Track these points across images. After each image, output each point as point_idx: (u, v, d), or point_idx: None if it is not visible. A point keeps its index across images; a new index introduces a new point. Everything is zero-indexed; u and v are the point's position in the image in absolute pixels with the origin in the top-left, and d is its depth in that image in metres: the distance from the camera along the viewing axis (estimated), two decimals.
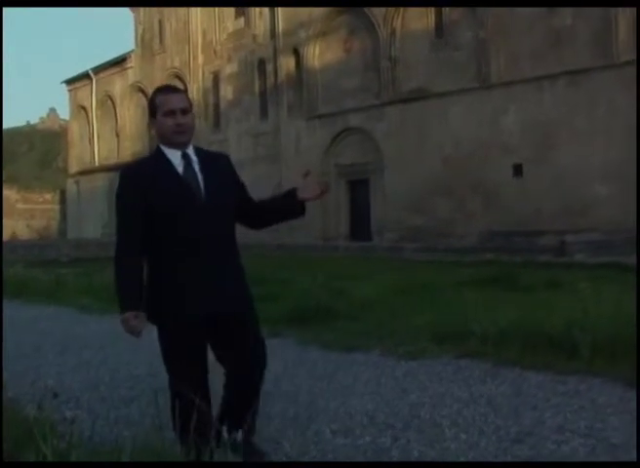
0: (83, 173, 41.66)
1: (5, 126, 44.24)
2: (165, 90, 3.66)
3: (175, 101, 3.51)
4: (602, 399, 4.98)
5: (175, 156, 3.53)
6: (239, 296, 3.64)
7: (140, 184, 3.47)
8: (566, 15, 20.53)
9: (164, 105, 3.51)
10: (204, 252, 3.48)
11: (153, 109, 3.57)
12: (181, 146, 3.54)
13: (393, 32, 25.16)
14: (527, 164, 21.53)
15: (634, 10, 18.75)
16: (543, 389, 5.31)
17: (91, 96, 41.19)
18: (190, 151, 3.59)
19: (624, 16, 19.11)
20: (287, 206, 3.72)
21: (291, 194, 3.67)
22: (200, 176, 3.53)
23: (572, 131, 20.34)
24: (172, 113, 3.48)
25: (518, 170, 21.77)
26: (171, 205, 3.45)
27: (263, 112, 31.06)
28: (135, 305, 3.48)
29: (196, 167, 3.55)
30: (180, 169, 3.51)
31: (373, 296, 10.55)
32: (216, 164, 3.66)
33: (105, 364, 6.94)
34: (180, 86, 34.87)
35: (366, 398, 5.29)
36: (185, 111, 3.52)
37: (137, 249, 3.53)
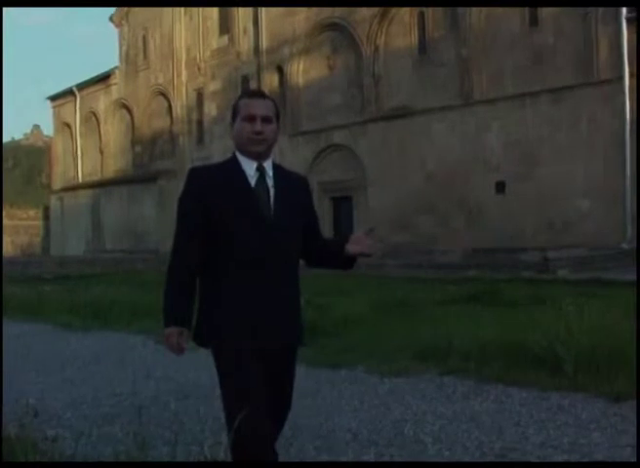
0: (67, 189, 41.49)
1: None
2: (251, 94, 3.37)
3: (257, 107, 3.21)
4: (585, 414, 5.00)
5: (249, 166, 3.22)
6: (295, 328, 3.33)
7: (207, 189, 3.16)
8: (548, 33, 20.73)
9: (245, 109, 3.20)
10: (265, 275, 3.14)
11: (234, 113, 3.27)
12: (257, 157, 3.22)
13: (376, 49, 25.30)
14: (510, 180, 21.65)
15: (614, 29, 19.01)
16: (527, 405, 5.32)
17: (75, 112, 41.09)
18: (268, 165, 3.26)
19: (605, 34, 19.33)
20: (336, 253, 3.35)
21: (342, 243, 3.32)
22: (272, 193, 3.21)
23: (554, 147, 20.49)
24: (251, 119, 3.18)
25: (501, 186, 21.88)
26: (235, 218, 3.12)
27: None
28: (180, 321, 3.14)
29: (270, 182, 3.23)
30: (252, 181, 3.20)
31: (356, 313, 10.54)
32: (291, 183, 3.33)
33: (88, 381, 6.89)
34: (164, 103, 35.19)
35: (349, 415, 5.29)
36: (267, 120, 3.21)
37: (193, 260, 3.18)
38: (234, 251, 3.13)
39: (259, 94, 3.38)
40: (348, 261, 3.36)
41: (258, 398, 3.02)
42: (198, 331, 3.20)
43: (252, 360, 3.08)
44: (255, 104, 3.22)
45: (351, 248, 3.26)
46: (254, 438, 2.93)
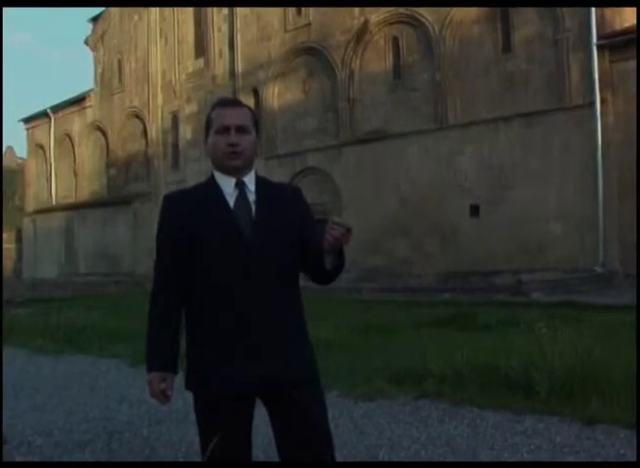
0: (40, 211, 41.21)
1: None
2: (223, 103, 3.04)
3: (230, 116, 2.90)
4: (559, 438, 5.00)
5: (227, 184, 2.89)
6: (294, 360, 2.92)
7: (182, 217, 2.84)
8: (520, 59, 20.98)
9: (217, 121, 2.92)
10: (247, 304, 2.78)
11: (207, 126, 2.99)
12: (236, 172, 2.91)
13: (352, 74, 25.45)
14: (483, 204, 21.78)
15: (585, 55, 19.27)
16: (501, 429, 5.32)
17: (49, 134, 40.89)
18: (249, 180, 2.95)
19: (576, 61, 19.58)
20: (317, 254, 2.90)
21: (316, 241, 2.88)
22: (254, 211, 2.86)
23: (527, 171, 20.66)
24: (225, 130, 2.88)
25: (475, 210, 22.00)
26: (213, 245, 2.80)
27: None
28: (163, 365, 2.85)
29: (251, 197, 2.90)
30: (231, 199, 2.87)
31: (331, 337, 10.51)
32: (278, 195, 3.01)
33: (60, 407, 6.80)
34: (139, 125, 35.12)
35: None
36: (243, 130, 2.89)
37: (175, 295, 2.87)
38: (207, 280, 2.82)
39: (232, 102, 3.12)
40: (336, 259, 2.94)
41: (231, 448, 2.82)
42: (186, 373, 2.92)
43: (225, 412, 2.80)
44: (228, 114, 2.93)
45: (326, 242, 2.84)
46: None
